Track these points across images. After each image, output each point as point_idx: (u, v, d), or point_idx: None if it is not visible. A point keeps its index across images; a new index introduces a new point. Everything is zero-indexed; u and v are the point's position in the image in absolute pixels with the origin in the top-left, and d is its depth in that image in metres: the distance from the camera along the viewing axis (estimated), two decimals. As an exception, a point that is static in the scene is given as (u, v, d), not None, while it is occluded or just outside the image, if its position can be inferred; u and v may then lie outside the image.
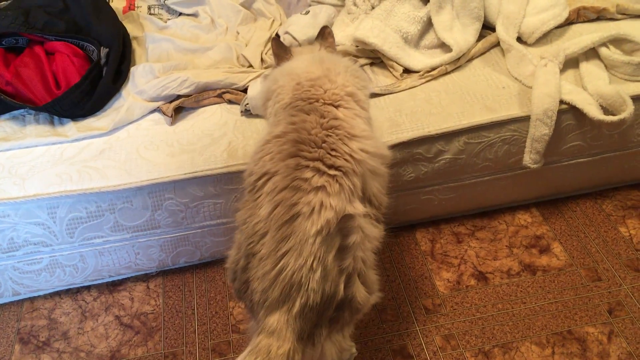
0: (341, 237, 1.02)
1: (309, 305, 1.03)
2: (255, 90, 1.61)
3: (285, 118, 1.16)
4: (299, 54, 1.33)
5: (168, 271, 1.82)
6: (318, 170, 1.07)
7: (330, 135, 1.12)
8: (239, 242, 1.13)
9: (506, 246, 1.84)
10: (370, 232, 1.11)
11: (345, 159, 1.10)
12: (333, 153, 1.09)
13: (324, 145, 1.10)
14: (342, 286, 1.05)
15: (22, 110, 1.65)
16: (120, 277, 1.78)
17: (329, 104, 1.18)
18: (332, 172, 1.07)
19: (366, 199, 1.13)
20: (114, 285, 1.79)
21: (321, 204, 1.04)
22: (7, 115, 1.65)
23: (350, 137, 1.13)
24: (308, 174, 1.06)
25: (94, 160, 1.55)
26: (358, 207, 1.09)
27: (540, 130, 1.62)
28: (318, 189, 1.05)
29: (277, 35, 1.86)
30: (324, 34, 1.38)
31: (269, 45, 1.81)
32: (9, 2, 1.83)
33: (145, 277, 1.81)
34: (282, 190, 1.05)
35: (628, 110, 1.59)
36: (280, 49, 1.33)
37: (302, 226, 1.03)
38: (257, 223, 1.07)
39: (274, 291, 1.04)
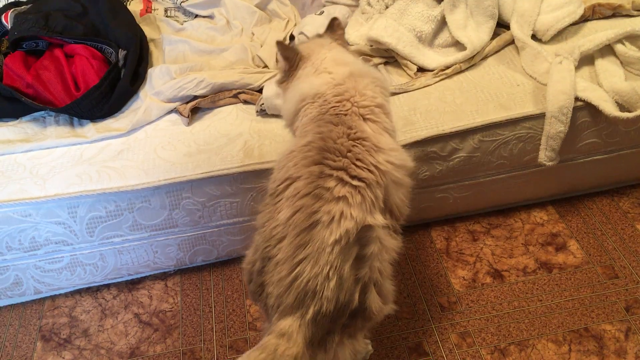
0: (359, 247, 1.03)
1: (322, 313, 1.03)
2: (270, 90, 1.62)
3: (312, 129, 1.16)
4: (311, 53, 1.31)
5: (186, 270, 1.84)
6: (341, 180, 1.07)
7: (356, 146, 1.12)
8: (257, 243, 1.13)
9: (522, 244, 1.84)
10: (388, 244, 1.11)
11: (370, 170, 1.10)
12: (358, 163, 1.10)
13: (349, 154, 1.10)
14: (357, 295, 1.05)
15: (42, 112, 1.69)
16: (139, 276, 1.81)
17: (357, 116, 1.18)
18: (355, 182, 1.07)
19: (387, 209, 1.14)
20: (133, 284, 1.82)
21: (341, 214, 1.04)
22: (28, 117, 1.69)
23: (377, 150, 1.13)
24: (331, 183, 1.06)
25: (112, 161, 1.57)
26: (378, 219, 1.09)
27: (555, 128, 1.61)
28: (339, 199, 1.05)
29: (292, 37, 1.88)
30: (333, 26, 1.39)
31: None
32: (29, 6, 1.87)
33: (163, 276, 1.83)
34: (303, 196, 1.06)
35: (644, 107, 1.58)
36: (287, 51, 1.30)
37: (320, 234, 1.03)
38: (276, 227, 1.07)
39: (288, 297, 1.04)
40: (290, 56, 1.30)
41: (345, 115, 1.18)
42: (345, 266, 1.02)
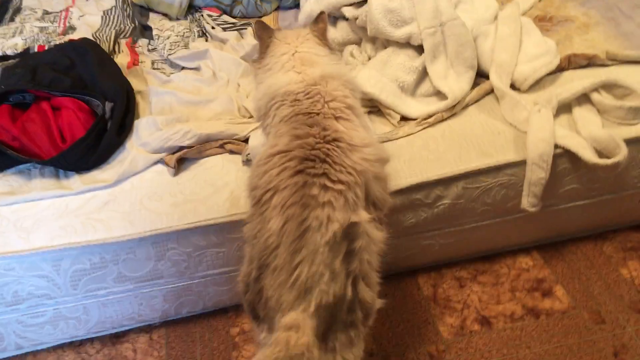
0: (348, 242, 1.10)
1: (323, 305, 1.08)
2: (256, 140, 1.64)
3: (288, 131, 1.22)
4: (283, 38, 1.38)
5: (171, 321, 1.81)
6: (324, 187, 1.13)
7: (333, 149, 1.18)
8: (251, 255, 1.18)
9: (508, 290, 1.84)
10: (375, 236, 1.17)
11: (349, 172, 1.16)
12: (337, 167, 1.16)
13: (327, 159, 1.16)
14: (350, 288, 1.11)
15: (27, 165, 1.68)
16: (123, 329, 1.78)
17: (329, 117, 1.24)
18: (337, 187, 1.13)
19: (370, 203, 1.20)
20: (116, 337, 1.79)
21: (328, 218, 1.10)
22: (13, 170, 1.68)
23: (352, 149, 1.19)
24: (315, 190, 1.12)
25: (98, 212, 1.57)
26: (362, 215, 1.15)
27: (536, 174, 1.64)
28: (325, 204, 1.11)
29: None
30: (318, 18, 1.45)
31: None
32: (17, 60, 1.89)
33: (148, 328, 1.80)
34: (291, 205, 1.12)
35: (622, 154, 1.61)
36: (263, 31, 1.37)
37: (312, 238, 1.10)
38: (269, 237, 1.13)
39: (290, 295, 1.09)
40: (264, 36, 1.37)
41: (318, 114, 1.24)
42: (335, 261, 1.09)
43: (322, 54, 1.39)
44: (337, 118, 1.25)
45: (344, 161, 1.17)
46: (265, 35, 1.38)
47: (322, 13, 1.45)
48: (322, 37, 1.44)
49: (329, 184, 1.14)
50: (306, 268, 1.09)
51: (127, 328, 1.78)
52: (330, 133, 1.20)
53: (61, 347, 1.77)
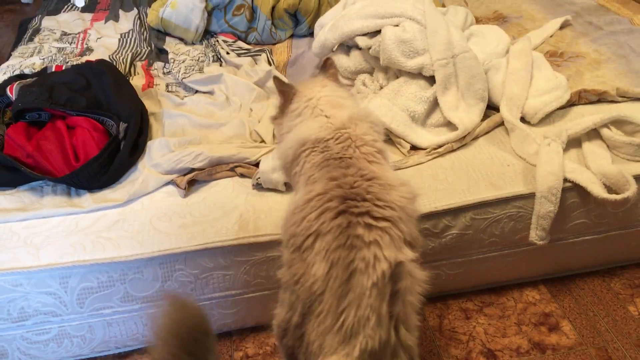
0: (392, 284, 1.06)
1: (368, 351, 1.05)
2: (267, 165, 1.66)
3: (323, 175, 1.18)
4: (305, 88, 1.34)
5: (175, 343, 1.80)
6: (368, 225, 1.10)
7: (372, 186, 1.15)
8: (291, 301, 1.14)
9: (515, 323, 1.83)
10: (418, 276, 1.14)
11: (391, 208, 1.13)
12: (379, 203, 1.12)
13: (368, 197, 1.13)
14: (392, 332, 1.08)
15: (40, 182, 1.70)
16: (126, 349, 1.77)
17: (362, 160, 1.21)
18: (381, 224, 1.10)
19: (407, 243, 1.16)
20: (120, 358, 1.78)
21: (375, 257, 1.07)
22: (25, 186, 1.70)
23: (390, 187, 1.17)
24: (360, 230, 1.09)
25: (107, 231, 1.58)
26: (407, 253, 1.12)
27: (545, 207, 1.65)
28: (370, 243, 1.08)
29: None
30: (326, 65, 1.43)
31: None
32: (34, 79, 1.92)
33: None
34: (336, 249, 1.08)
35: (631, 189, 1.62)
36: (283, 86, 1.34)
37: (359, 281, 1.06)
38: (314, 283, 1.09)
39: (334, 340, 1.06)
40: (286, 90, 1.34)
41: (351, 159, 1.21)
42: (382, 305, 1.06)
43: (345, 96, 1.36)
44: (369, 162, 1.22)
45: (385, 197, 1.14)
46: (286, 87, 1.34)
47: (328, 59, 1.44)
48: (337, 81, 1.42)
49: (372, 222, 1.10)
50: (352, 312, 1.05)
51: (131, 349, 1.77)
52: (367, 173, 1.18)
53: (64, 365, 1.76)
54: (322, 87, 1.35)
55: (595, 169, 1.69)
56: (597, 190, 1.64)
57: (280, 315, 1.18)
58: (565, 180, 1.66)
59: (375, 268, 1.06)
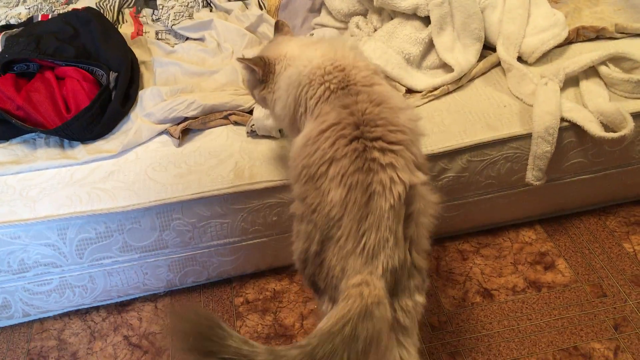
0: (406, 206, 1.09)
1: (390, 269, 1.08)
2: (261, 111, 1.64)
3: (334, 106, 1.18)
4: (273, 51, 1.34)
5: (176, 291, 1.83)
6: (383, 149, 1.11)
7: (383, 111, 1.15)
8: (307, 231, 1.15)
9: (511, 263, 1.85)
10: (430, 198, 1.16)
11: (403, 131, 1.14)
12: (391, 128, 1.13)
13: (380, 122, 1.13)
14: (408, 253, 1.11)
15: (32, 134, 1.68)
16: (128, 298, 1.80)
17: (366, 85, 1.20)
18: (394, 147, 1.11)
19: (417, 165, 1.17)
20: (122, 306, 1.81)
21: (391, 180, 1.08)
22: (18, 139, 1.68)
23: (399, 109, 1.17)
24: (375, 154, 1.10)
25: (103, 182, 1.57)
26: (420, 176, 1.13)
27: (542, 148, 1.64)
28: (386, 166, 1.09)
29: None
30: (279, 27, 1.43)
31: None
32: (20, 29, 1.88)
33: (153, 297, 1.82)
34: (354, 173, 1.09)
35: (628, 127, 1.61)
36: (255, 59, 1.33)
37: (378, 204, 1.07)
38: (331, 209, 1.10)
39: (357, 262, 1.08)
40: (258, 61, 1.31)
41: (356, 85, 1.20)
42: (399, 226, 1.08)
43: (314, 39, 1.37)
44: (372, 85, 1.21)
45: (397, 120, 1.15)
46: (258, 60, 1.32)
47: (278, 21, 1.45)
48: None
49: (386, 146, 1.11)
50: (373, 235, 1.07)
51: (132, 297, 1.80)
52: (376, 97, 1.17)
53: (67, 314, 1.79)
54: (289, 41, 1.35)
55: (592, 107, 1.67)
56: (595, 128, 1.63)
57: (298, 248, 1.20)
58: (562, 119, 1.65)
59: (392, 190, 1.08)
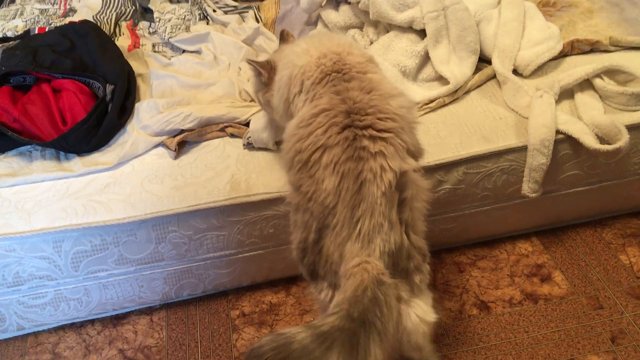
0: (399, 192, 1.14)
1: (386, 252, 1.12)
2: (257, 123, 1.64)
3: (327, 90, 1.21)
4: (279, 54, 1.40)
5: (171, 304, 1.82)
6: (373, 137, 1.14)
7: (373, 99, 1.19)
8: (304, 220, 1.19)
9: (507, 275, 1.85)
10: (422, 184, 1.20)
11: (392, 119, 1.17)
12: (381, 116, 1.16)
13: (370, 110, 1.16)
14: (404, 236, 1.16)
15: (29, 147, 1.68)
16: (123, 311, 1.79)
17: (359, 72, 1.24)
18: (384, 135, 1.15)
19: (410, 153, 1.20)
20: (117, 319, 1.80)
21: (381, 168, 1.12)
22: (14, 152, 1.68)
23: (389, 96, 1.21)
24: (365, 142, 1.13)
25: (99, 194, 1.57)
26: (411, 163, 1.18)
27: (537, 160, 1.64)
28: (376, 154, 1.13)
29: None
30: (284, 36, 1.49)
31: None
32: (17, 42, 1.88)
33: (148, 310, 1.81)
34: (345, 161, 1.13)
35: (623, 139, 1.61)
36: (262, 63, 1.39)
37: (370, 191, 1.11)
38: (326, 197, 1.14)
39: (354, 247, 1.12)
40: (266, 65, 1.38)
41: (350, 71, 1.24)
42: (392, 212, 1.13)
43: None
44: (365, 72, 1.24)
45: (386, 108, 1.18)
46: (264, 63, 1.39)
47: (283, 30, 1.51)
48: None
49: (376, 134, 1.14)
50: (367, 220, 1.11)
51: (128, 310, 1.79)
52: (367, 84, 1.21)
53: (62, 328, 1.78)
54: (294, 45, 1.38)
55: (587, 119, 1.68)
56: (590, 141, 1.63)
57: (297, 237, 1.23)
58: (558, 132, 1.65)
59: (382, 178, 1.12)
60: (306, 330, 1.02)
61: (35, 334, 1.77)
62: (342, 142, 1.14)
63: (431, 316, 1.23)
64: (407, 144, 1.17)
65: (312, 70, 1.25)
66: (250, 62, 1.39)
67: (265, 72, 1.38)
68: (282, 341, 1.01)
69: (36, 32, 2.04)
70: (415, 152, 1.21)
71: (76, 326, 1.78)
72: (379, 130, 1.15)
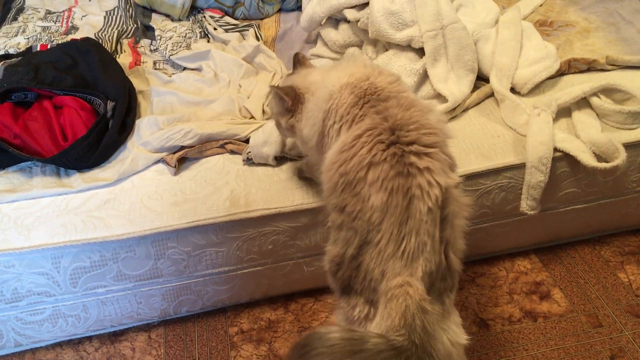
0: (441, 209, 1.13)
1: (428, 272, 1.11)
2: (257, 139, 1.65)
3: (367, 111, 1.21)
4: (301, 81, 1.38)
5: (169, 321, 1.82)
6: (419, 153, 1.14)
7: (414, 114, 1.18)
8: (347, 238, 1.17)
9: (507, 292, 1.85)
10: (463, 200, 1.19)
11: (435, 134, 1.17)
12: (424, 130, 1.16)
13: (413, 126, 1.16)
14: (443, 256, 1.15)
15: (29, 162, 1.69)
16: (122, 327, 1.78)
17: (394, 91, 1.24)
18: (429, 150, 1.14)
19: (450, 166, 1.20)
20: (115, 336, 1.79)
21: (429, 183, 1.11)
22: (14, 167, 1.69)
23: (427, 111, 1.21)
24: (412, 158, 1.13)
25: (98, 210, 1.57)
26: (454, 177, 1.17)
27: (535, 177, 1.65)
28: (424, 170, 1.12)
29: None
30: (300, 60, 1.49)
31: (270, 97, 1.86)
32: (19, 59, 1.90)
33: (146, 327, 1.81)
34: (395, 177, 1.12)
35: (620, 157, 1.62)
36: (285, 89, 1.37)
37: (417, 208, 1.11)
38: (372, 214, 1.12)
39: (396, 265, 1.11)
40: (290, 91, 1.35)
41: (384, 91, 1.24)
42: (435, 230, 1.12)
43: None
44: (398, 91, 1.24)
45: (428, 123, 1.17)
46: (290, 90, 1.37)
47: (297, 53, 1.50)
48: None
49: (422, 149, 1.14)
50: (413, 239, 1.10)
51: (126, 327, 1.78)
52: (404, 102, 1.20)
53: (60, 345, 1.77)
54: (313, 72, 1.39)
55: (585, 137, 1.69)
56: (587, 159, 1.64)
57: (334, 252, 1.21)
58: (556, 149, 1.66)
59: (429, 194, 1.11)
60: (378, 337, 1.04)
61: (33, 350, 1.76)
62: (389, 158, 1.13)
63: (462, 338, 1.21)
64: (449, 158, 1.18)
65: (347, 98, 1.24)
66: (273, 87, 1.37)
67: (289, 99, 1.36)
68: (356, 336, 1.03)
69: (38, 49, 2.05)
70: (453, 166, 1.21)
71: (74, 343, 1.78)
72: (424, 146, 1.15)
